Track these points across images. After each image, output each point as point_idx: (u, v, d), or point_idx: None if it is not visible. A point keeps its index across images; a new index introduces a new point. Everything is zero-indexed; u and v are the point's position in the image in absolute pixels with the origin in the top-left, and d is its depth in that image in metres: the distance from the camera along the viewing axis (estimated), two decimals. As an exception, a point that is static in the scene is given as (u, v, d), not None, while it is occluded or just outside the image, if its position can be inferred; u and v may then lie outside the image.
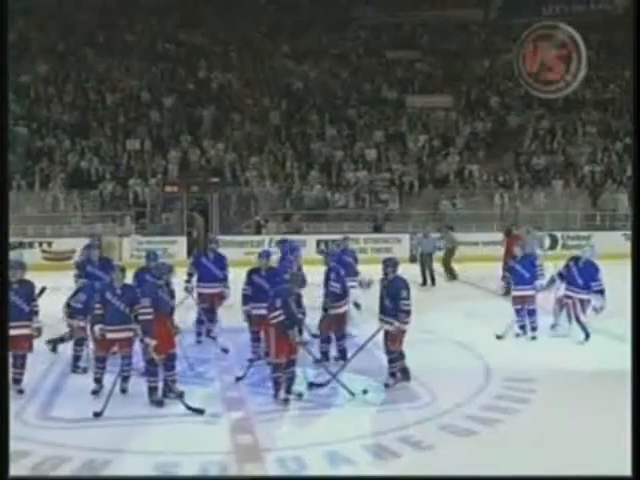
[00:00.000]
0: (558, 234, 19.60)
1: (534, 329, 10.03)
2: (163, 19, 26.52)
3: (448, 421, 6.83)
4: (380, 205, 20.72)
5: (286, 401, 7.32)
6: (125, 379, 7.69)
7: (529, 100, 23.21)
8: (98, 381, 7.71)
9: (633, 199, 7.60)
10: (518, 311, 10.14)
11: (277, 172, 21.42)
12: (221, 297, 9.86)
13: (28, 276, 7.92)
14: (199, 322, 9.93)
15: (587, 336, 9.71)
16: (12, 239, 16.91)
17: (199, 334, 9.91)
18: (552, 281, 10.18)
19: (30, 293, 7.80)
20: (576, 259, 9.96)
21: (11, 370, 7.47)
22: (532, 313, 10.07)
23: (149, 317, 7.34)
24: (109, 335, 7.59)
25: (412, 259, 17.09)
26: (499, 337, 9.86)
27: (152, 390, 7.39)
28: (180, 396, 7.32)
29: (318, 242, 18.02)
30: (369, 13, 29.07)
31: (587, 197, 21.64)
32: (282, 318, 7.25)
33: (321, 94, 25.04)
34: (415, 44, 28.25)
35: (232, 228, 19.57)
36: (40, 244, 17.59)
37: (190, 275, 9.98)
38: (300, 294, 7.53)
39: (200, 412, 7.03)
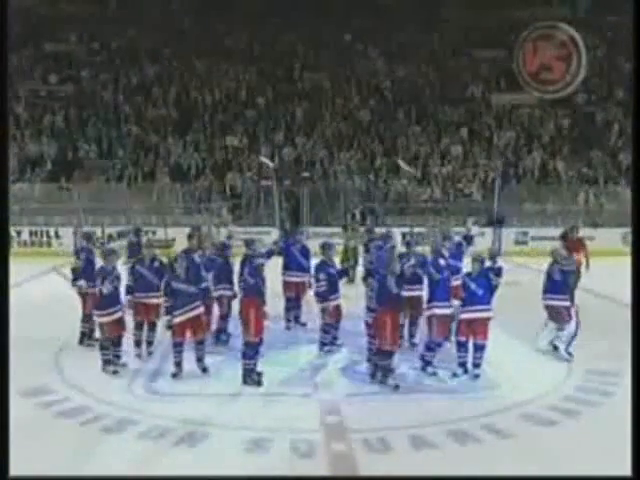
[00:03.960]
0: (645, 232, 19.50)
1: (477, 366, 8.07)
2: (258, 24, 27.70)
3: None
4: (464, 199, 21.24)
5: (396, 387, 7.62)
6: (199, 359, 8.08)
7: (615, 97, 23.13)
8: (178, 365, 7.95)
9: (633, 198, 7.70)
10: (461, 345, 8.12)
11: (365, 167, 22.17)
12: (306, 286, 10.11)
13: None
14: (287, 309, 10.28)
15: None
16: (125, 227, 18.62)
17: (288, 320, 10.25)
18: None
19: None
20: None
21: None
22: (481, 348, 8.03)
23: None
24: (176, 320, 7.89)
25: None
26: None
27: (246, 372, 7.73)
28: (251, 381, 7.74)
29: (404, 235, 18.73)
30: (455, 13, 29.45)
31: (676, 194, 21.35)
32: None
33: (408, 92, 25.68)
34: (501, 43, 28.44)
35: (322, 220, 20.52)
36: (146, 232, 18.69)
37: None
38: None
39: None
